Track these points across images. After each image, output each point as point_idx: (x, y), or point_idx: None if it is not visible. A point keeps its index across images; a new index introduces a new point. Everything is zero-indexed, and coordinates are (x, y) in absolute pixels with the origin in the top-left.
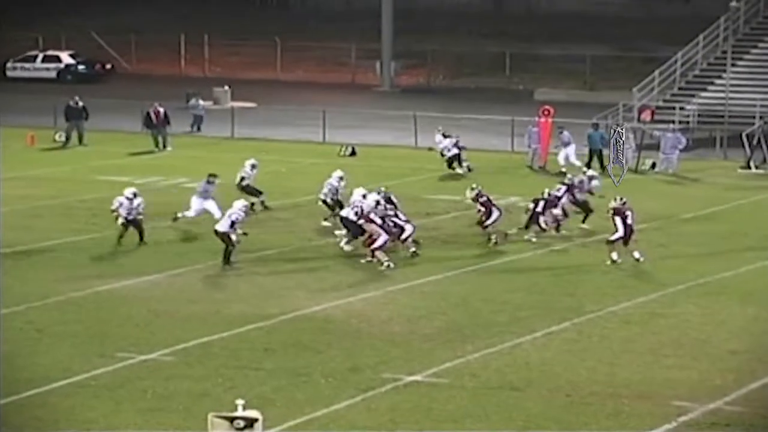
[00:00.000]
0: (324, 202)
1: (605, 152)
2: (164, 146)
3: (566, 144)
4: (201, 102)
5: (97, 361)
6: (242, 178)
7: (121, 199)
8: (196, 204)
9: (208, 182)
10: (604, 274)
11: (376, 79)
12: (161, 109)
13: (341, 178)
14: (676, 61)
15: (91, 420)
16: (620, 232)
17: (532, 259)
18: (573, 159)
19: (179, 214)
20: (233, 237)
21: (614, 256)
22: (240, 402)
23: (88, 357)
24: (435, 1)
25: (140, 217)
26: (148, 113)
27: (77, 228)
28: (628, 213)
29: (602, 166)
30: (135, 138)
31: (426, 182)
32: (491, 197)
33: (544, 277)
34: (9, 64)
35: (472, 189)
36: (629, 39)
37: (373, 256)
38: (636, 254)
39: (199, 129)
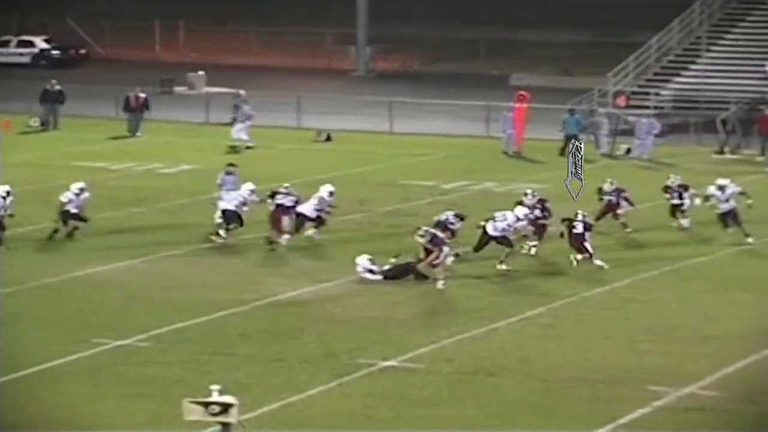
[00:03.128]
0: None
1: (581, 137)
2: (136, 131)
3: None
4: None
5: (73, 346)
6: (65, 202)
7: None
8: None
9: (228, 173)
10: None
11: (351, 65)
12: (142, 95)
13: (332, 193)
14: (651, 47)
15: (67, 405)
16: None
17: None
18: None
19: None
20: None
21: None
22: (215, 387)
23: (64, 343)
24: None
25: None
26: (127, 98)
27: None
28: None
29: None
30: (109, 123)
31: (402, 168)
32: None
33: (519, 263)
34: None
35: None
36: (606, 24)
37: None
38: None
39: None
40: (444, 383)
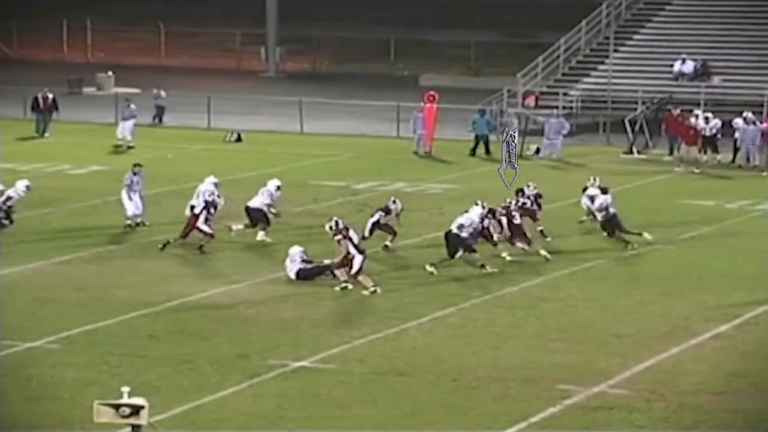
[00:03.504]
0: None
1: (491, 138)
2: (44, 132)
3: None
4: (163, 93)
5: None
6: (8, 198)
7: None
8: (127, 200)
9: (134, 173)
10: (488, 260)
11: (261, 65)
12: (50, 95)
13: (279, 187)
14: (559, 47)
15: None
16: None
17: (419, 247)
18: None
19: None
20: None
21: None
22: (125, 389)
23: None
24: None
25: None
26: (36, 98)
27: None
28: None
29: (488, 152)
30: (18, 124)
31: (313, 168)
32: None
33: (430, 263)
34: None
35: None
36: (514, 25)
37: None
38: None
39: (161, 121)
40: (356, 383)
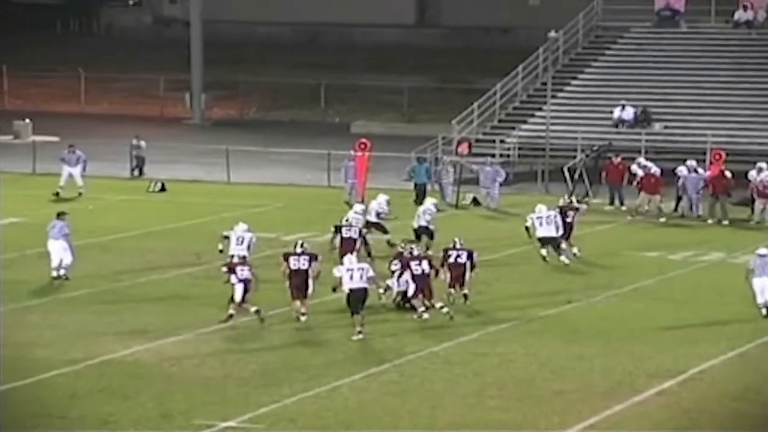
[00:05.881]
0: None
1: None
2: None
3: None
4: (143, 143)
5: None
6: None
7: None
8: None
9: (59, 218)
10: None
11: (185, 112)
12: None
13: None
14: (495, 93)
15: None
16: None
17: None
18: None
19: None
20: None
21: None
22: None
23: None
24: (245, 30)
25: None
26: None
27: None
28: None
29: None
30: None
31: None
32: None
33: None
34: None
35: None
36: (448, 70)
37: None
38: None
39: (141, 172)
40: None
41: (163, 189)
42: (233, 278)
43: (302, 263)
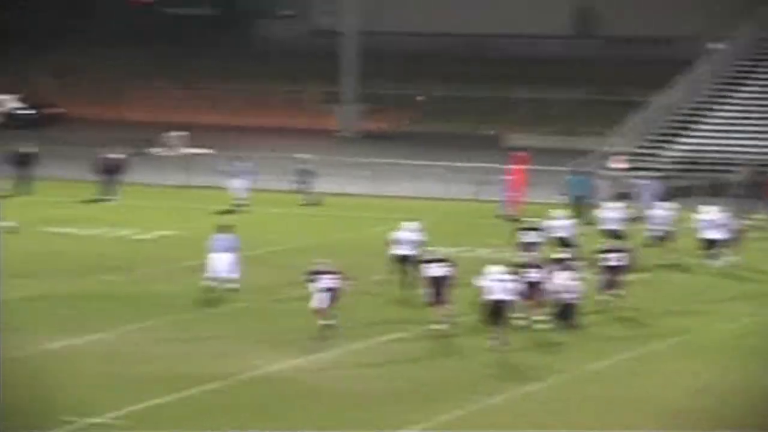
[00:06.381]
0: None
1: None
2: (111, 195)
3: None
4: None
5: None
6: None
7: None
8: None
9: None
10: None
11: (337, 124)
12: (118, 156)
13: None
14: (652, 105)
15: None
16: None
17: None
18: None
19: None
20: None
21: None
22: None
23: None
24: (401, 42)
25: None
26: (100, 159)
27: None
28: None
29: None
30: (79, 185)
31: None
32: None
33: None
34: None
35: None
36: (607, 82)
37: None
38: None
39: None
40: None
41: (317, 203)
42: (313, 286)
43: (440, 270)
